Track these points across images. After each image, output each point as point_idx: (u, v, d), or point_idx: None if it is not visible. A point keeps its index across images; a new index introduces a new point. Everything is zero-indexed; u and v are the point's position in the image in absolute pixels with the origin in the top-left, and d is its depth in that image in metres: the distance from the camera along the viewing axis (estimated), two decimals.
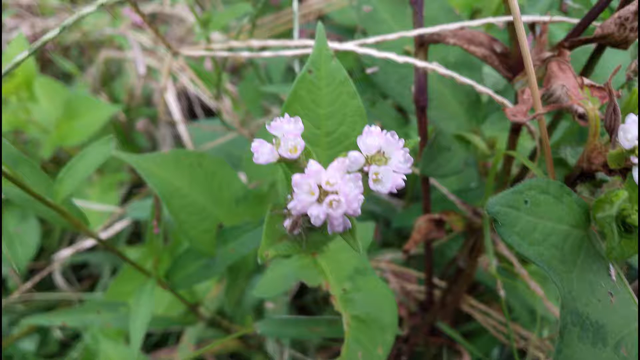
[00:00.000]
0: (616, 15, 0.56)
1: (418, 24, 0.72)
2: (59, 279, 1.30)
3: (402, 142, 0.41)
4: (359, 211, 0.39)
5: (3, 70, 0.60)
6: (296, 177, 0.39)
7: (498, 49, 0.67)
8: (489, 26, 0.92)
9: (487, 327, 0.90)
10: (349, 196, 0.38)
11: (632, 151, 0.43)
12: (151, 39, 1.49)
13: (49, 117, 1.29)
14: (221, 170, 0.79)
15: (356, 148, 0.41)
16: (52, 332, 1.24)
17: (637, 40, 0.57)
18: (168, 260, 0.86)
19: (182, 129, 1.37)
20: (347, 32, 1.32)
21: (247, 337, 1.05)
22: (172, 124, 1.52)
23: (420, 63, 0.71)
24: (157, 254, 0.79)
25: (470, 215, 0.84)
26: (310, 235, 0.46)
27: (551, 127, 0.74)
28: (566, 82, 0.56)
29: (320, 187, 0.39)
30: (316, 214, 0.39)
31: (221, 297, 1.04)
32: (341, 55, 1.11)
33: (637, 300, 0.47)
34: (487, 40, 0.68)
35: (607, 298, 0.46)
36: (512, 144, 0.72)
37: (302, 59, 1.01)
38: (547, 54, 0.62)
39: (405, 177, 0.41)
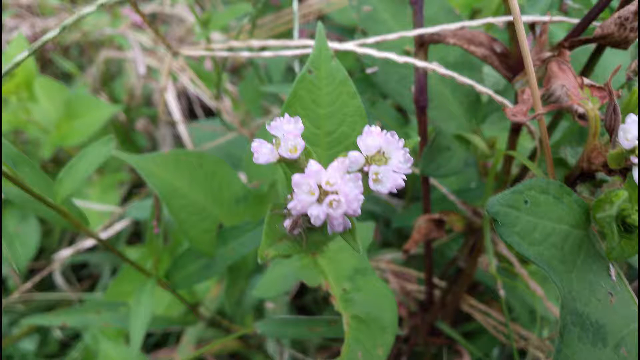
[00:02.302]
0: (616, 15, 0.56)
1: (418, 24, 0.72)
2: (59, 279, 1.30)
3: (402, 142, 0.41)
4: (359, 211, 0.39)
5: (3, 70, 0.60)
6: (296, 177, 0.39)
7: (498, 49, 0.67)
8: (489, 26, 0.92)
9: (487, 327, 0.90)
10: (349, 196, 0.38)
11: (632, 151, 0.43)
12: (151, 39, 1.49)
13: (49, 117, 1.29)
14: (221, 170, 0.79)
15: (356, 148, 0.41)
16: (52, 332, 1.24)
17: (637, 40, 0.57)
18: (168, 260, 0.86)
19: (182, 129, 1.37)
20: (347, 32, 1.32)
21: (247, 337, 1.05)
22: (172, 124, 1.52)
23: (420, 63, 0.71)
24: (157, 254, 0.79)
25: (470, 215, 0.84)
26: (310, 235, 0.46)
27: (551, 127, 0.74)
28: (566, 82, 0.56)
29: (320, 187, 0.39)
30: (316, 214, 0.39)
31: (221, 297, 1.04)
32: (341, 55, 1.11)
33: (637, 300, 0.47)
34: (487, 40, 0.68)
35: (607, 298, 0.46)
36: (512, 144, 0.72)
37: (302, 59, 1.01)
38: (547, 54, 0.62)
39: (405, 177, 0.41)
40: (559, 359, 0.44)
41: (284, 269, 0.72)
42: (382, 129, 0.42)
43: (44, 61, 1.68)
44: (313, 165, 0.39)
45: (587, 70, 0.65)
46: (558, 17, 0.70)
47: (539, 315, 0.85)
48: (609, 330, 0.45)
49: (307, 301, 1.17)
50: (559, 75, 0.58)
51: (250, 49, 1.03)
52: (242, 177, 1.04)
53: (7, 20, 1.61)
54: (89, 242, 1.22)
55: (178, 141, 1.53)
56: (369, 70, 0.81)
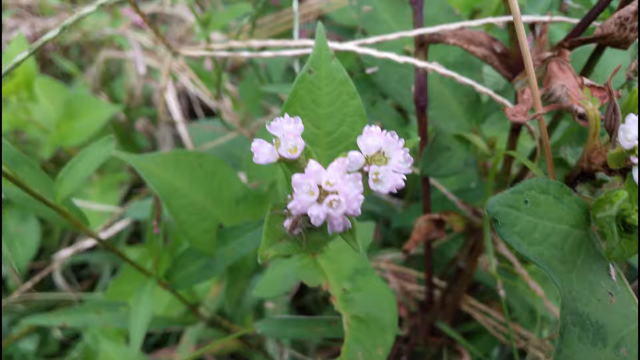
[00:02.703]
0: (616, 15, 0.56)
1: (418, 24, 0.72)
2: (59, 279, 1.30)
3: (402, 142, 0.41)
4: (359, 211, 0.39)
5: (3, 70, 0.60)
6: (296, 177, 0.39)
7: (498, 49, 0.67)
8: (489, 26, 0.92)
9: (487, 327, 0.90)
10: (349, 196, 0.38)
11: (632, 151, 0.43)
12: (151, 39, 1.49)
13: (49, 117, 1.29)
14: (221, 170, 0.79)
15: (356, 148, 0.41)
16: (52, 332, 1.24)
17: (637, 40, 0.57)
18: (168, 260, 0.86)
19: (182, 129, 1.37)
20: (347, 32, 1.32)
21: (247, 337, 1.05)
22: (172, 124, 1.52)
23: (420, 63, 0.71)
24: (157, 254, 0.79)
25: (470, 215, 0.84)
26: (310, 235, 0.46)
27: (551, 127, 0.74)
28: (566, 82, 0.56)
29: (320, 187, 0.39)
30: (316, 214, 0.39)
31: (221, 297, 1.04)
32: (341, 55, 1.11)
33: (637, 300, 0.47)
34: (487, 40, 0.68)
35: (607, 298, 0.46)
36: (512, 144, 0.72)
37: (302, 59, 1.01)
38: (547, 54, 0.62)
39: (405, 177, 0.41)
40: (559, 359, 0.44)
41: (284, 269, 0.72)
42: (382, 129, 0.42)
43: (44, 61, 1.68)
44: (313, 165, 0.39)
45: (587, 70, 0.65)
46: (558, 17, 0.70)
47: (539, 315, 0.85)
48: (609, 330, 0.45)
49: (307, 301, 1.17)
50: (559, 75, 0.58)
51: (250, 49, 1.03)
52: (242, 177, 1.04)
53: (7, 20, 1.61)
54: (89, 242, 1.22)
55: (178, 141, 1.53)
56: (369, 70, 0.81)
